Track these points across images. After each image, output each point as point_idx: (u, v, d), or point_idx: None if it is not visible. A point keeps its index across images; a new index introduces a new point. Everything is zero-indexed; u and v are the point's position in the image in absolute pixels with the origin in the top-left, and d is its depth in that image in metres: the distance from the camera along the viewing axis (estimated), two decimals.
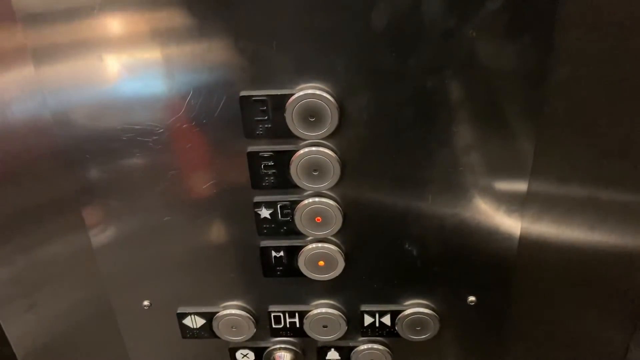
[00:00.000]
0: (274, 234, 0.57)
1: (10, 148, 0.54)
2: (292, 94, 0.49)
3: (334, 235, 0.57)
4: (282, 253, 0.59)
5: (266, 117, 0.50)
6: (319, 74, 0.49)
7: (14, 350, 0.67)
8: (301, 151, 0.52)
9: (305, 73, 0.49)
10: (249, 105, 0.50)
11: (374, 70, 0.48)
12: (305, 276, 0.60)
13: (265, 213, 0.56)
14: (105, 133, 0.53)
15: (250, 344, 0.66)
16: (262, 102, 0.49)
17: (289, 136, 0.51)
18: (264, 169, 0.53)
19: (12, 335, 0.66)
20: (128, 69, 0.49)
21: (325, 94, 0.48)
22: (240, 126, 0.51)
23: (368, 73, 0.48)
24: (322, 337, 0.64)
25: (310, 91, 0.48)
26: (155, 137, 0.53)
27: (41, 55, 0.49)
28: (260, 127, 0.51)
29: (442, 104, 0.49)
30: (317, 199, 0.54)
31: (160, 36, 0.48)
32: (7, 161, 0.55)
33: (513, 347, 0.65)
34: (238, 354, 0.67)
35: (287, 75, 0.49)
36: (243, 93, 0.50)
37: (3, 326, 0.65)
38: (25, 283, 0.63)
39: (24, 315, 0.64)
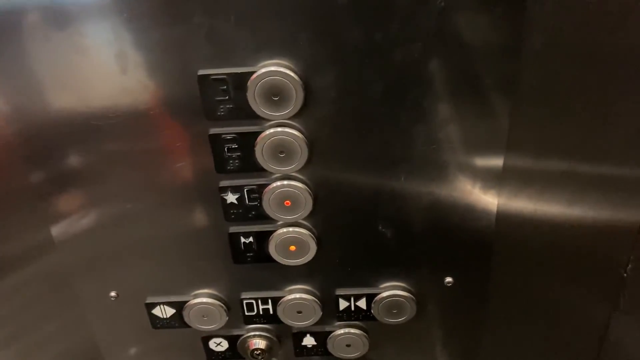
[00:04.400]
0: (242, 219, 0.55)
1: None
2: (254, 72, 0.46)
3: (304, 219, 0.55)
4: (251, 239, 0.56)
5: (227, 97, 0.48)
6: (281, 50, 0.46)
7: None
8: (266, 132, 0.49)
9: (266, 49, 0.46)
10: (208, 84, 0.47)
11: (340, 45, 0.46)
12: (276, 262, 0.57)
13: (231, 198, 0.53)
14: (59, 118, 0.49)
15: (223, 332, 0.64)
16: (222, 81, 0.47)
17: (253, 117, 0.48)
18: (228, 152, 0.51)
19: None
20: (79, 49, 0.46)
21: (288, 71, 0.46)
22: (201, 107, 0.49)
23: (334, 47, 0.46)
24: (297, 323, 0.62)
25: (272, 68, 0.46)
26: (111, 122, 0.50)
27: None
28: (222, 108, 0.48)
29: (413, 79, 0.47)
30: (285, 182, 0.52)
31: (111, 12, 0.45)
32: None
33: (492, 327, 0.63)
34: (211, 343, 0.65)
35: (247, 51, 0.46)
36: (201, 72, 0.47)
37: None
38: None
39: None
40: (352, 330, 0.64)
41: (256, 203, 0.54)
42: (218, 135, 0.50)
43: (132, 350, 0.68)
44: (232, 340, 0.65)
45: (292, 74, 0.46)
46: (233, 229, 0.56)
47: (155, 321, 0.63)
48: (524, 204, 0.55)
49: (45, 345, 0.66)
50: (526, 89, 0.47)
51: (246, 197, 0.53)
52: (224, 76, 0.46)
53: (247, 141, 0.50)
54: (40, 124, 0.50)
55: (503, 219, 0.55)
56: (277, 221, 0.55)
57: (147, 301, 0.62)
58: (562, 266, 0.59)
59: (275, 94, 0.47)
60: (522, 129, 0.50)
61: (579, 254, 0.58)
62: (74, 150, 0.52)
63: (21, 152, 0.52)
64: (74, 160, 0.52)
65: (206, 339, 0.65)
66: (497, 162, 0.52)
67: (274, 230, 0.56)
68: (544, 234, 0.56)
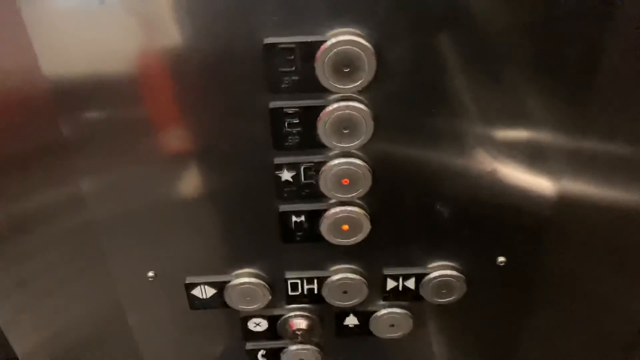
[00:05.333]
0: (295, 197, 0.52)
1: None
2: (324, 41, 0.43)
3: (359, 198, 0.52)
4: (303, 218, 0.54)
5: (293, 68, 0.44)
6: (355, 18, 0.43)
7: (2, 329, 0.61)
8: (332, 106, 0.46)
9: (339, 16, 0.43)
10: (275, 54, 0.44)
11: (418, 13, 0.42)
12: (326, 241, 0.55)
13: (286, 175, 0.51)
14: (109, 82, 0.46)
15: (264, 312, 0.62)
16: (290, 50, 0.43)
17: (318, 90, 0.45)
18: (288, 127, 0.48)
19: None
20: (135, 12, 0.42)
21: (363, 41, 0.43)
22: (263, 78, 0.45)
23: (412, 16, 0.43)
24: (342, 303, 0.60)
25: (346, 37, 0.42)
26: (166, 90, 0.46)
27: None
28: (286, 80, 0.45)
29: (492, 52, 0.44)
30: (345, 160, 0.49)
31: None
32: None
33: (540, 310, 0.62)
34: (250, 323, 0.63)
35: (318, 19, 0.43)
36: (268, 40, 0.43)
37: None
38: (11, 256, 0.56)
39: (13, 292, 0.58)
40: (397, 310, 0.62)
41: (312, 181, 0.51)
42: (279, 109, 0.47)
43: (164, 328, 0.65)
44: (272, 320, 0.63)
45: (366, 44, 0.43)
46: (284, 207, 0.53)
47: (194, 302, 0.60)
48: (585, 188, 0.53)
49: (72, 309, 0.62)
50: (607, 68, 0.45)
51: (302, 174, 0.50)
52: (293, 45, 0.43)
53: (310, 116, 0.47)
54: (88, 85, 0.46)
55: (562, 201, 0.54)
56: (331, 199, 0.53)
57: (187, 281, 0.59)
58: (611, 256, 0.58)
59: (346, 65, 0.43)
60: (593, 110, 0.48)
61: (628, 245, 0.57)
62: (122, 118, 0.48)
63: (62, 117, 0.48)
64: (121, 131, 0.49)
65: (245, 319, 0.63)
66: (564, 144, 0.50)
67: (327, 209, 0.53)
68: (598, 221, 0.55)
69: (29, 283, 0.59)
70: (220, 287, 0.59)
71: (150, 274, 0.58)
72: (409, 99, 0.47)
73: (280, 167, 0.50)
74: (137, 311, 0.62)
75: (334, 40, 0.43)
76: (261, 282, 0.59)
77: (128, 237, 0.56)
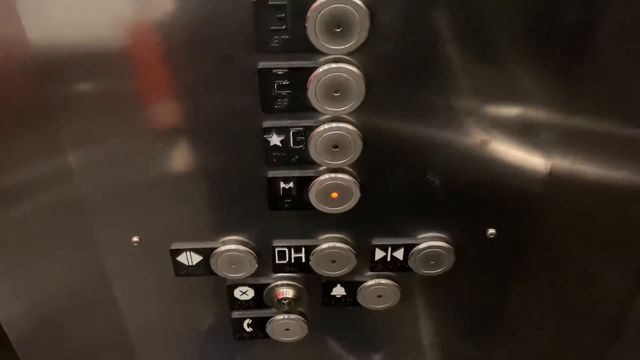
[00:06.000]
0: (284, 163, 0.51)
1: None
2: None
3: (349, 165, 0.51)
4: (291, 184, 0.53)
5: (284, 27, 0.43)
6: None
7: None
8: (323, 68, 0.45)
9: None
10: (265, 11, 0.42)
11: None
12: (314, 209, 0.54)
13: (275, 140, 0.49)
14: (89, 42, 0.44)
15: (251, 281, 0.62)
16: (281, 7, 0.42)
17: (309, 50, 0.44)
18: (278, 89, 0.46)
19: None
20: None
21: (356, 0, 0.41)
22: (251, 37, 0.44)
23: None
24: (330, 273, 0.60)
25: None
26: (147, 48, 0.45)
27: None
28: (276, 39, 0.44)
29: (486, 22, 0.43)
30: (335, 124, 0.48)
31: None
32: None
33: (527, 285, 0.62)
34: (236, 291, 0.62)
35: None
36: None
37: None
38: None
39: None
40: (384, 281, 0.62)
41: (301, 146, 0.50)
42: (268, 70, 0.45)
43: (149, 297, 0.64)
44: (259, 289, 0.62)
45: (360, 3, 0.41)
46: (272, 173, 0.52)
47: (180, 269, 0.59)
48: (575, 165, 0.53)
49: (54, 276, 0.61)
50: (600, 43, 0.44)
51: (291, 139, 0.49)
52: (284, 3, 0.42)
53: (300, 77, 0.45)
54: (71, 50, 0.44)
55: (552, 177, 0.53)
56: (320, 166, 0.52)
57: (173, 247, 0.58)
58: (597, 234, 0.58)
59: (337, 25, 0.42)
60: (587, 86, 0.47)
61: (612, 224, 0.57)
62: (102, 78, 0.47)
63: (44, 78, 0.46)
64: (101, 89, 0.47)
65: (231, 287, 0.62)
66: (555, 118, 0.49)
67: (317, 176, 0.52)
68: (589, 198, 0.55)
69: (13, 249, 0.58)
70: (207, 253, 0.58)
71: (135, 239, 0.57)
72: (401, 65, 0.46)
73: (268, 130, 0.49)
74: (121, 279, 0.61)
75: None
76: (248, 249, 0.58)
77: (113, 202, 0.55)
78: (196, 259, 0.58)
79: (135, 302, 0.64)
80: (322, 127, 0.48)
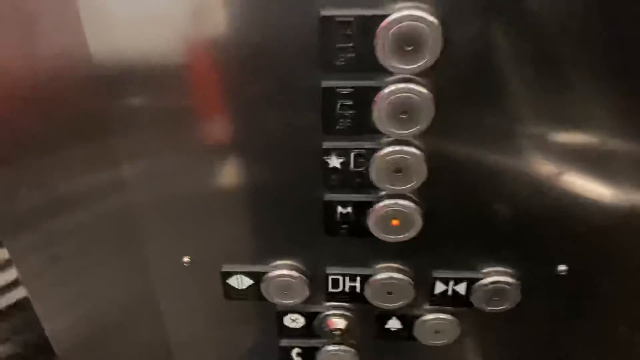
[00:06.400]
0: (343, 186, 0.49)
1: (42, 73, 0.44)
2: (387, 15, 0.39)
3: (412, 191, 0.48)
4: (349, 209, 0.50)
5: (351, 44, 0.41)
6: None
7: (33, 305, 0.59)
8: (390, 88, 0.42)
9: None
10: (331, 28, 0.40)
11: None
12: (372, 236, 0.51)
13: (335, 162, 0.47)
14: (150, 57, 0.43)
15: (301, 308, 0.59)
16: (348, 24, 0.40)
17: (376, 69, 0.42)
18: (341, 109, 0.44)
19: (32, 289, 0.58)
20: None
21: (430, 17, 0.39)
22: (315, 55, 0.42)
23: None
24: (386, 304, 0.56)
25: (411, 12, 0.39)
26: (207, 63, 0.43)
27: None
28: (342, 57, 0.41)
29: (571, 43, 0.40)
30: (399, 148, 0.45)
31: None
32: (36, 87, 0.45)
33: (598, 327, 0.57)
34: (286, 318, 0.60)
35: None
36: (324, 12, 0.40)
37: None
38: (47, 232, 0.54)
39: (46, 269, 0.57)
40: (443, 316, 0.58)
41: (362, 169, 0.47)
42: (332, 89, 0.43)
43: (195, 316, 0.63)
44: (310, 316, 0.59)
45: (434, 19, 0.39)
46: (329, 196, 0.50)
47: (230, 292, 0.57)
48: None
49: (103, 290, 0.60)
50: None
51: (352, 161, 0.47)
52: (352, 19, 0.39)
53: (365, 97, 0.43)
54: (132, 64, 0.43)
55: (633, 215, 0.49)
56: (382, 191, 0.49)
57: (224, 269, 0.56)
58: None
59: (409, 43, 0.39)
60: None
61: None
62: (161, 96, 0.46)
63: (105, 93, 0.45)
64: (159, 106, 0.46)
65: (281, 314, 0.60)
66: (637, 150, 0.45)
67: (377, 202, 0.49)
68: None
69: (63, 261, 0.57)
70: (257, 278, 0.56)
71: (186, 259, 0.56)
72: (472, 87, 0.43)
73: (328, 152, 0.47)
74: (170, 297, 0.60)
75: (398, 14, 0.39)
76: (300, 275, 0.55)
77: (165, 220, 0.54)
78: (247, 282, 0.56)
79: (181, 320, 0.63)
80: (385, 150, 0.45)
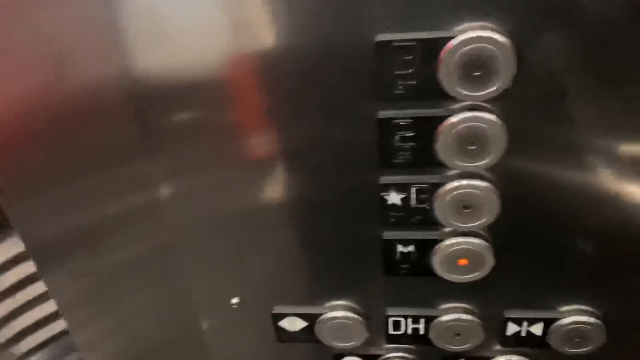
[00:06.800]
0: (403, 224, 0.44)
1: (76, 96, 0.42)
2: (451, 37, 0.35)
3: (483, 228, 0.44)
4: (411, 248, 0.46)
5: (411, 71, 0.36)
6: (489, 10, 0.34)
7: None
8: (456, 117, 0.37)
9: (470, 8, 0.34)
10: (389, 54, 0.36)
11: (572, 6, 0.33)
12: (436, 275, 0.47)
13: (394, 198, 0.43)
14: (198, 83, 0.40)
15: (360, 351, 0.55)
16: (408, 49, 0.35)
17: (438, 97, 0.37)
18: (400, 141, 0.40)
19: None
20: (229, 9, 0.36)
21: (500, 38, 0.34)
22: (370, 83, 0.38)
23: (560, 10, 0.34)
24: (453, 347, 0.51)
25: (479, 33, 0.34)
26: (258, 95, 0.40)
27: None
28: (401, 85, 0.37)
29: None
30: (467, 182, 0.41)
31: None
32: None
33: None
34: None
35: (444, 11, 0.35)
36: (381, 37, 0.36)
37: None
38: (85, 263, 0.52)
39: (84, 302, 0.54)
40: (516, 358, 0.53)
41: (425, 206, 0.43)
42: (389, 120, 0.39)
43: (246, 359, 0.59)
44: None
45: (505, 40, 0.34)
46: (389, 234, 0.46)
47: (282, 334, 0.54)
48: None
49: (147, 330, 0.58)
50: None
51: (413, 197, 0.42)
52: (412, 43, 0.35)
53: (428, 128, 0.39)
54: (170, 90, 0.40)
55: None
56: (446, 228, 0.44)
57: (275, 311, 0.52)
58: None
59: (478, 67, 0.35)
60: None
61: None
62: (202, 137, 0.42)
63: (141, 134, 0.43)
64: (201, 148, 0.43)
65: (338, 357, 0.56)
66: None
67: (442, 240, 0.45)
68: None
69: (108, 301, 0.54)
70: (312, 320, 0.52)
71: (235, 300, 0.52)
72: (549, 111, 0.38)
73: (386, 187, 0.42)
74: (217, 338, 0.56)
75: (463, 36, 0.34)
76: (358, 317, 0.51)
77: (213, 259, 0.51)
78: (300, 324, 0.53)
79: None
80: (451, 185, 0.41)
